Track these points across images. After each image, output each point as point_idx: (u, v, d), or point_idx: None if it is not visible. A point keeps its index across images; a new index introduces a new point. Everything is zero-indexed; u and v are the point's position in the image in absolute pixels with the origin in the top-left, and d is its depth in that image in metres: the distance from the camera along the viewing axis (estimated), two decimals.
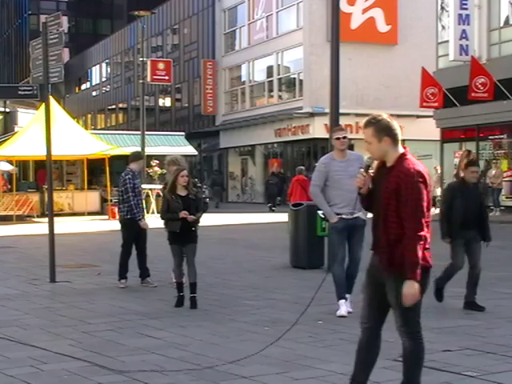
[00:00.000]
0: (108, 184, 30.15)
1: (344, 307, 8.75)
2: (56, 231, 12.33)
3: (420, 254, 4.73)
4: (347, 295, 8.86)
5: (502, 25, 29.98)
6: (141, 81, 35.71)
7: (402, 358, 5.12)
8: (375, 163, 5.13)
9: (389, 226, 4.88)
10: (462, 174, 9.23)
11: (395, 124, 4.99)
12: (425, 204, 4.80)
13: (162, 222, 9.82)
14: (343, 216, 8.65)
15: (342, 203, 8.64)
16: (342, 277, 8.81)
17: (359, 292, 5.62)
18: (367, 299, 5.08)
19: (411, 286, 4.72)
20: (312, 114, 38.43)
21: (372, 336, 5.08)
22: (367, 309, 5.07)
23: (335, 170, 8.69)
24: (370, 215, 7.14)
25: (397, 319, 4.97)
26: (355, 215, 8.62)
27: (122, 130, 50.40)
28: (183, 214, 9.39)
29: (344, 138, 8.76)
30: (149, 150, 34.05)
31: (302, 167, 19.02)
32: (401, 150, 4.98)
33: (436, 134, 33.72)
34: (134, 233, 11.36)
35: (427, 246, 4.87)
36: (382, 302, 4.98)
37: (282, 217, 16.89)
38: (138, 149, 28.90)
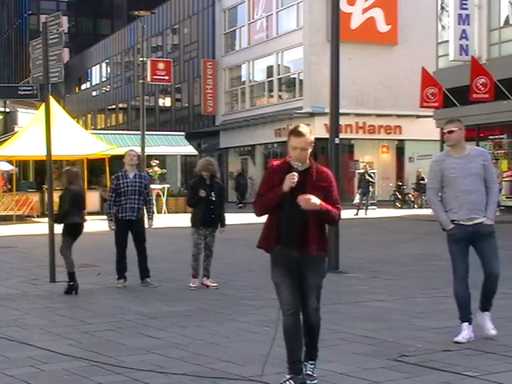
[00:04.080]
0: (108, 184, 30.10)
1: (466, 331, 7.28)
2: (56, 231, 12.32)
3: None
4: (487, 313, 7.49)
5: (502, 25, 30.00)
6: (141, 81, 35.67)
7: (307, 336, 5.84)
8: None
9: None
10: None
11: None
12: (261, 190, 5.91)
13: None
14: (460, 222, 7.31)
15: (457, 207, 7.31)
16: (464, 296, 7.36)
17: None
18: (290, 287, 5.73)
19: None
20: (312, 114, 38.43)
21: (298, 319, 5.75)
22: (292, 296, 5.71)
23: (450, 168, 7.36)
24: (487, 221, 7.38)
25: (314, 301, 5.80)
26: (476, 221, 7.31)
27: (122, 130, 50.43)
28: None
29: (450, 132, 7.49)
30: (149, 150, 34.05)
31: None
32: None
33: (436, 134, 33.70)
34: (120, 232, 11.37)
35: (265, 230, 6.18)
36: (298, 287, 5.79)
37: None
38: (136, 148, 28.83)
